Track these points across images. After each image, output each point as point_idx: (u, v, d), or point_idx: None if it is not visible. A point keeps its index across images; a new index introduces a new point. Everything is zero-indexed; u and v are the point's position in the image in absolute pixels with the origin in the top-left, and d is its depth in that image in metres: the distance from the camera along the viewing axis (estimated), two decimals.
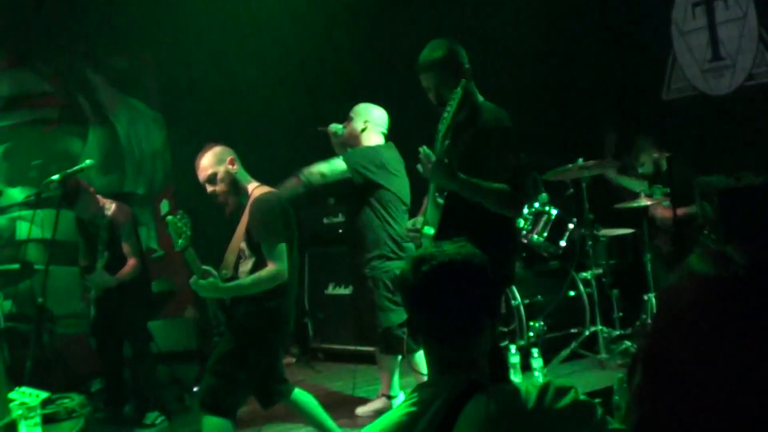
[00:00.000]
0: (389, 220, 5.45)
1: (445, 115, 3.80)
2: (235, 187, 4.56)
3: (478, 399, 1.90)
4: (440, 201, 3.93)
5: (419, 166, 3.89)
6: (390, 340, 5.48)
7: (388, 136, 5.66)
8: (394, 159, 5.50)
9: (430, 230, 3.97)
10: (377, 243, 5.44)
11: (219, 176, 4.53)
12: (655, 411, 1.75)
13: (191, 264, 4.38)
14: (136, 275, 6.16)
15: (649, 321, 6.02)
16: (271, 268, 4.36)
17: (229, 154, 4.59)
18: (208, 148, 4.61)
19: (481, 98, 4.07)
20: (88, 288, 6.33)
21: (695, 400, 1.69)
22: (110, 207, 6.23)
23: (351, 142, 5.59)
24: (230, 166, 4.55)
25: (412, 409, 1.96)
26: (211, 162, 4.55)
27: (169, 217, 4.37)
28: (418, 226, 4.11)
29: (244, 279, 4.42)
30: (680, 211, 5.69)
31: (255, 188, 4.58)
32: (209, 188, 4.57)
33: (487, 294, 2.08)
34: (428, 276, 2.00)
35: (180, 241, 4.33)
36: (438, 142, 3.84)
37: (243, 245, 4.48)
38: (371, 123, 5.60)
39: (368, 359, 6.11)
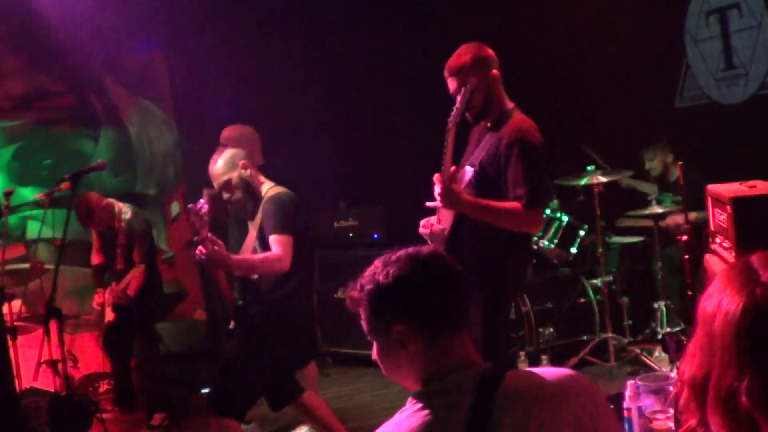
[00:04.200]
0: None
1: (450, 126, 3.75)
2: (251, 191, 4.42)
3: (504, 387, 1.85)
4: None
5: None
6: None
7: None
8: None
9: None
10: None
11: (233, 182, 4.39)
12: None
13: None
14: (144, 281, 6.21)
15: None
16: (277, 251, 4.27)
17: (241, 157, 4.44)
18: (219, 153, 4.46)
19: (510, 105, 3.96)
20: (102, 287, 6.38)
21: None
22: (127, 212, 6.26)
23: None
24: (243, 170, 4.41)
25: (430, 417, 1.85)
26: (224, 169, 4.40)
27: (190, 206, 4.16)
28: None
29: (254, 256, 4.36)
30: (692, 216, 5.60)
31: (270, 188, 4.48)
32: (225, 195, 4.43)
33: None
34: (426, 268, 1.98)
35: (201, 231, 4.11)
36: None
37: (256, 243, 4.43)
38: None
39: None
